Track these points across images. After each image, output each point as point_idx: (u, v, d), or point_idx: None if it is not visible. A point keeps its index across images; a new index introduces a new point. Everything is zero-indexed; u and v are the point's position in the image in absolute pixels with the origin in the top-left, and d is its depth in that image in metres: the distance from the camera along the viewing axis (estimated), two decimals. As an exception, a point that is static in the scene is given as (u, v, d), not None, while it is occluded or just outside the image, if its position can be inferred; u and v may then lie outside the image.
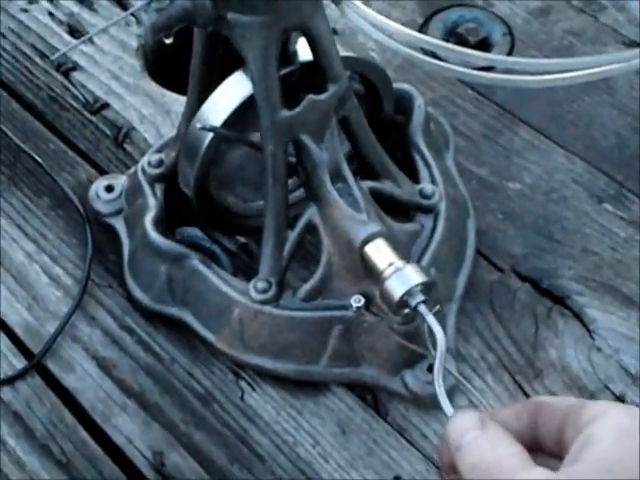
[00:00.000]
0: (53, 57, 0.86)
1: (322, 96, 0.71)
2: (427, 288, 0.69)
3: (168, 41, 0.66)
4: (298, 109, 0.70)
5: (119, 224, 0.84)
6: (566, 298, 0.81)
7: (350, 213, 0.72)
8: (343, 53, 0.72)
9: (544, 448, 0.50)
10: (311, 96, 0.70)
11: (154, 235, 0.78)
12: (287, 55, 0.70)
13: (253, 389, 0.77)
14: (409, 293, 0.68)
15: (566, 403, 0.49)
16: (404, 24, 1.00)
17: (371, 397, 0.77)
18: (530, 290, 0.82)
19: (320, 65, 0.70)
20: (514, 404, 0.52)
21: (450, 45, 0.63)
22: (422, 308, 0.67)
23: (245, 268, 0.82)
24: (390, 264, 0.70)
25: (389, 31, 0.66)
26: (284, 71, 0.70)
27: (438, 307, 0.67)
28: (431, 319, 0.66)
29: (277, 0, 0.65)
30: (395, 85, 0.82)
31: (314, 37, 0.68)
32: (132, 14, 0.93)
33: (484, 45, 0.99)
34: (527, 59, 0.64)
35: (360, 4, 0.67)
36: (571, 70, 0.65)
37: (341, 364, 0.76)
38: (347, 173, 0.73)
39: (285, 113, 0.70)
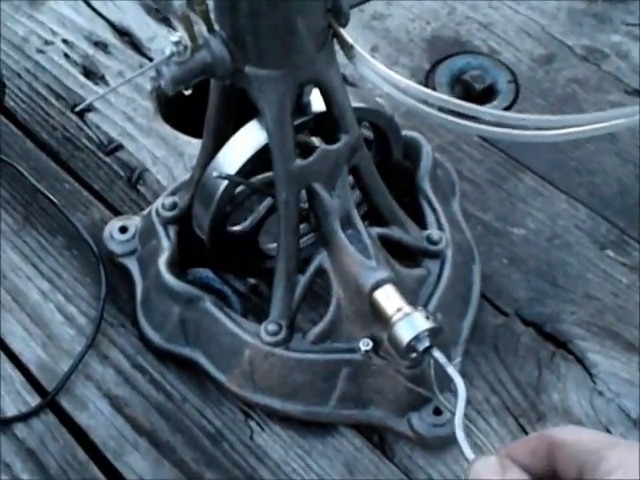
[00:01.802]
0: (77, 108, 0.88)
1: (334, 146, 0.73)
2: (434, 333, 0.71)
3: (187, 92, 0.68)
4: (311, 158, 0.72)
5: (132, 265, 0.86)
6: (569, 342, 0.83)
7: (360, 259, 0.74)
8: (355, 104, 0.74)
9: None
10: (324, 146, 0.73)
11: (168, 277, 0.80)
12: (301, 106, 0.72)
13: (262, 429, 0.79)
14: (417, 338, 0.70)
15: (584, 448, 0.49)
16: (411, 70, 1.04)
17: (378, 438, 0.78)
18: (534, 334, 0.83)
19: (333, 116, 0.72)
20: (529, 439, 0.51)
21: (458, 101, 0.65)
22: (438, 354, 0.69)
23: (255, 309, 0.84)
24: (398, 309, 0.72)
25: (398, 85, 0.68)
26: (298, 121, 0.72)
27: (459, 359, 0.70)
28: (451, 369, 0.68)
29: (293, 55, 0.67)
30: (403, 132, 0.84)
31: (327, 90, 0.71)
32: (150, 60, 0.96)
33: (489, 92, 1.01)
34: (532, 116, 0.66)
35: (372, 59, 0.69)
36: (575, 126, 0.67)
37: (349, 406, 0.78)
38: (357, 220, 0.75)
39: (299, 162, 0.72)
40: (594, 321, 0.84)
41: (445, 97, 0.65)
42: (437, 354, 0.69)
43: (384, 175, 0.81)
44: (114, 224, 0.88)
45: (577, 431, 0.50)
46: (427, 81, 1.03)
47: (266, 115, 0.69)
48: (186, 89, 0.67)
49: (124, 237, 0.87)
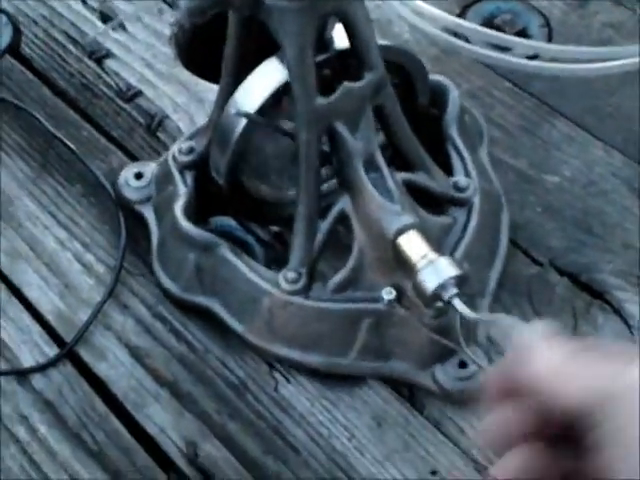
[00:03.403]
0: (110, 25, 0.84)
1: (358, 84, 0.70)
2: (461, 281, 0.68)
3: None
4: (333, 96, 0.69)
5: (148, 212, 0.83)
6: (605, 293, 0.79)
7: (383, 203, 0.71)
8: (380, 41, 0.71)
9: None
10: (347, 83, 0.69)
11: (183, 223, 0.77)
12: (323, 42, 0.69)
13: (287, 380, 0.76)
14: (442, 286, 0.67)
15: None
16: (440, 15, 1.00)
17: (407, 390, 0.75)
18: (569, 284, 0.80)
19: (357, 52, 0.69)
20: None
21: (498, 33, 0.62)
22: (456, 302, 0.66)
23: (279, 258, 0.81)
24: (423, 256, 0.69)
25: (431, 18, 0.64)
26: (320, 58, 0.69)
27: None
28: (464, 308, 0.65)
29: (315, -15, 0.64)
30: (430, 76, 0.81)
31: (351, 24, 0.67)
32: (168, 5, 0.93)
33: (521, 37, 0.97)
34: (572, 47, 0.63)
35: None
36: (611, 59, 0.63)
37: (370, 357, 0.75)
38: (381, 163, 0.72)
39: (320, 100, 0.69)
40: (632, 271, 0.81)
41: (485, 30, 0.62)
42: (457, 303, 0.66)
43: (409, 121, 0.77)
44: (129, 170, 0.85)
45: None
46: (456, 26, 0.99)
47: (286, 49, 0.66)
48: (202, 20, 0.64)
49: (140, 183, 0.84)
